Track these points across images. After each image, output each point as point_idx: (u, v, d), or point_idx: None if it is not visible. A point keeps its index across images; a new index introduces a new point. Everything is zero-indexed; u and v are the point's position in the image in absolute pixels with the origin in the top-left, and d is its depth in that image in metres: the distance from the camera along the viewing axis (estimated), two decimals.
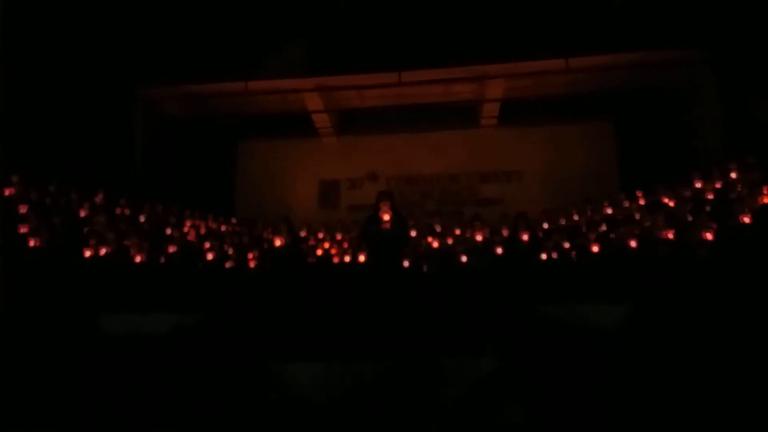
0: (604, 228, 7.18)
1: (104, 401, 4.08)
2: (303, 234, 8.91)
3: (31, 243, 6.19)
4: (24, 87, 8.50)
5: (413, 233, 7.17)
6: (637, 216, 7.14)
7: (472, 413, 3.78)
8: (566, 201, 9.34)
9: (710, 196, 7.09)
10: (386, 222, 5.22)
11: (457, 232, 8.24)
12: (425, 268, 6.85)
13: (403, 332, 4.47)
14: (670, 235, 5.79)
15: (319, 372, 4.08)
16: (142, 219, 8.52)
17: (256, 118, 11.98)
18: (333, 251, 7.98)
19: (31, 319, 4.82)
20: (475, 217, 7.10)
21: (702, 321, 4.29)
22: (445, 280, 6.28)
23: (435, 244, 7.76)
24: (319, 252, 8.03)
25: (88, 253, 6.32)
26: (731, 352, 3.90)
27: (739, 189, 6.68)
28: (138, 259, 6.37)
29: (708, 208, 6.50)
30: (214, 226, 9.42)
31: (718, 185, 7.35)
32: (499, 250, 6.35)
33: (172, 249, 6.71)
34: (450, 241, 7.81)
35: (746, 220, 5.60)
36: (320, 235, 9.14)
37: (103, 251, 6.35)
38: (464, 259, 6.42)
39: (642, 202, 8.03)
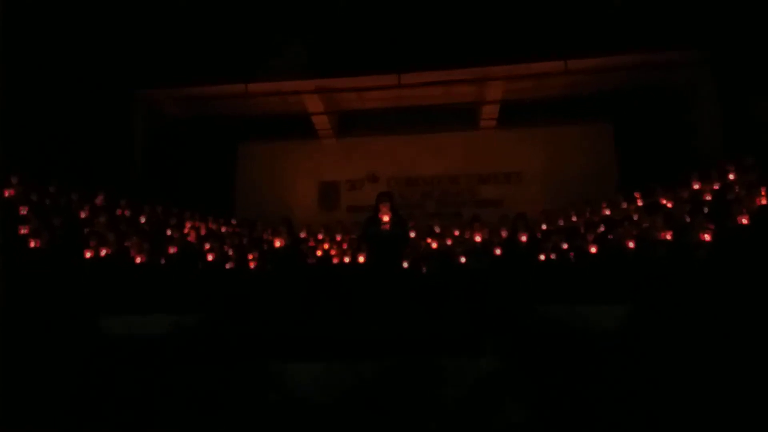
0: (602, 229, 7.20)
1: (104, 401, 4.09)
2: (303, 235, 8.93)
3: (32, 244, 6.20)
4: (24, 88, 8.52)
5: (413, 234, 7.19)
6: (635, 217, 7.16)
7: (471, 413, 3.78)
8: (566, 202, 9.35)
9: (708, 198, 7.10)
10: (386, 223, 5.23)
11: (457, 233, 8.26)
12: (424, 269, 6.86)
13: (403, 332, 4.48)
14: (668, 236, 5.80)
15: (319, 372, 4.09)
16: (142, 220, 8.53)
17: (256, 119, 12.01)
18: (333, 252, 7.99)
19: (32, 320, 4.82)
20: (474, 218, 7.13)
21: (700, 321, 4.29)
22: (444, 280, 6.29)
23: (434, 245, 7.78)
24: (319, 253, 8.04)
25: (88, 254, 6.33)
26: (730, 352, 3.90)
27: (737, 190, 6.69)
28: (138, 259, 6.38)
29: (706, 210, 6.51)
30: (214, 227, 9.44)
31: (716, 186, 7.37)
32: (498, 251, 6.37)
33: (172, 250, 6.72)
34: (449, 242, 7.83)
35: (744, 221, 5.61)
36: (320, 236, 9.15)
37: (103, 252, 6.36)
38: (463, 259, 6.43)
39: (640, 203, 8.05)
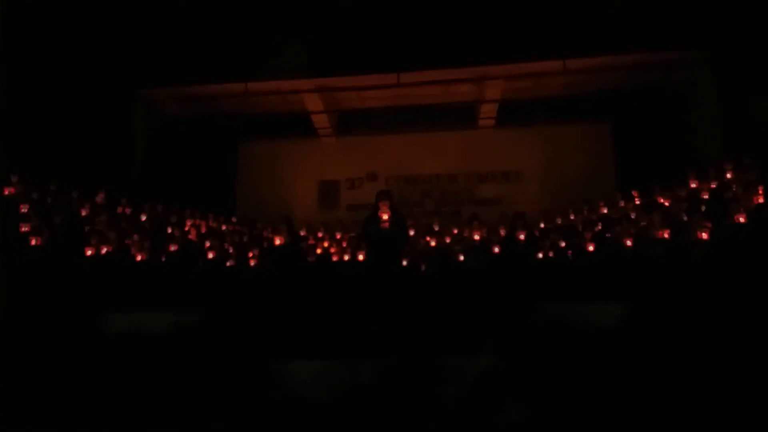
0: (600, 227, 7.23)
1: (104, 401, 4.09)
2: (303, 233, 8.97)
3: (33, 242, 6.22)
4: (25, 87, 8.53)
5: (412, 232, 7.22)
6: (633, 215, 7.19)
7: (470, 411, 3.80)
8: (564, 201, 9.39)
9: (706, 196, 7.13)
10: (386, 221, 5.25)
11: (455, 231, 8.30)
12: (423, 267, 6.89)
13: (402, 330, 4.49)
14: (666, 235, 5.82)
15: (319, 371, 4.11)
16: (143, 218, 8.55)
17: (256, 118, 12.02)
18: (332, 250, 8.03)
19: (32, 319, 4.82)
20: (473, 216, 7.15)
21: (698, 320, 4.30)
22: (443, 279, 6.31)
23: (433, 244, 7.81)
24: (319, 251, 8.07)
25: (89, 252, 6.35)
26: (727, 350, 3.91)
27: (734, 189, 6.72)
28: (139, 258, 6.41)
29: (703, 208, 6.54)
30: (214, 225, 9.47)
31: (713, 185, 7.40)
32: (497, 250, 6.40)
33: (173, 248, 6.74)
34: (448, 241, 7.86)
35: (741, 219, 5.63)
36: (320, 234, 9.20)
37: (104, 250, 6.38)
38: (462, 258, 6.46)
39: (638, 201, 8.08)
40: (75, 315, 5.01)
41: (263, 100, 11.52)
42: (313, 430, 3.78)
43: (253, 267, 6.96)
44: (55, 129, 9.42)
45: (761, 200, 6.06)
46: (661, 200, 7.54)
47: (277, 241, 6.24)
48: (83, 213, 7.90)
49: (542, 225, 8.15)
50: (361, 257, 7.07)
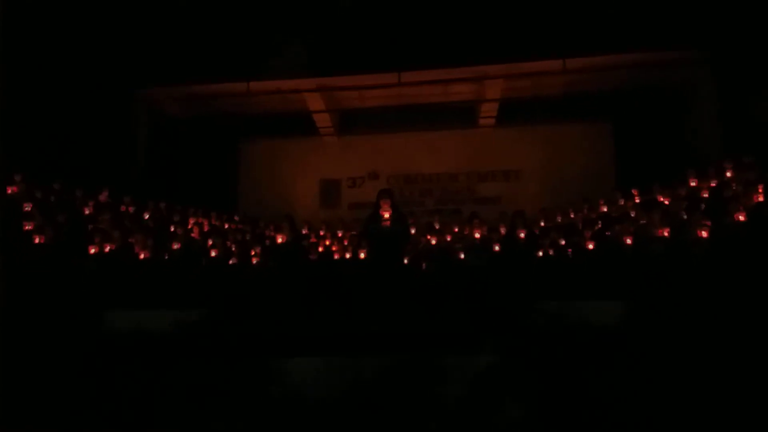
0: (600, 226, 7.26)
1: (105, 400, 4.09)
2: (305, 231, 9.01)
3: (36, 240, 6.24)
4: (27, 87, 8.55)
5: (413, 231, 7.25)
6: (633, 214, 7.22)
7: (470, 409, 3.81)
8: (564, 200, 9.43)
9: (705, 195, 7.16)
10: (387, 220, 5.27)
11: (456, 229, 8.34)
12: (424, 265, 6.92)
13: (403, 329, 4.51)
14: (666, 233, 5.84)
15: (319, 369, 4.12)
16: (146, 217, 8.59)
17: (258, 117, 12.06)
18: (334, 248, 8.07)
19: (34, 318, 4.82)
20: (473, 215, 7.18)
21: (697, 318, 4.31)
22: (443, 277, 6.34)
23: (434, 242, 7.84)
24: (321, 249, 8.11)
25: (92, 251, 6.38)
26: (727, 349, 3.91)
27: (734, 187, 6.75)
28: (142, 256, 6.43)
29: (703, 207, 6.56)
30: (217, 223, 9.51)
31: (713, 184, 7.42)
32: (497, 248, 6.43)
33: (176, 246, 6.78)
34: (449, 239, 7.89)
35: (741, 218, 5.65)
36: (321, 233, 9.24)
37: (107, 248, 6.41)
38: (462, 256, 6.49)
39: (638, 200, 8.11)
40: (77, 313, 5.01)
41: (265, 100, 11.55)
42: (313, 429, 3.78)
43: (255, 265, 6.99)
44: (58, 129, 9.45)
45: (761, 199, 6.09)
46: (661, 199, 7.56)
47: (279, 240, 6.27)
48: (86, 212, 7.93)
49: (542, 223, 8.18)
50: (362, 255, 7.11)
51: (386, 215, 5.28)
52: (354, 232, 8.53)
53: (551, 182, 11.35)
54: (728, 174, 7.41)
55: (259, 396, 4.00)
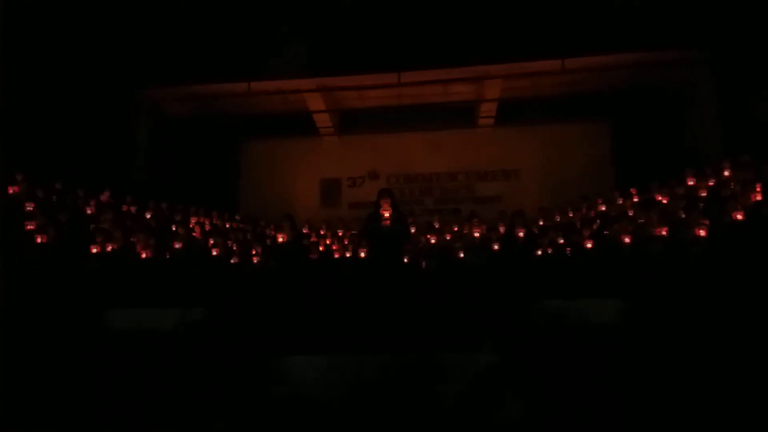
0: (598, 225, 7.27)
1: (105, 400, 4.09)
2: (305, 231, 9.04)
3: (38, 240, 6.26)
4: (28, 87, 8.57)
5: (412, 230, 7.28)
6: (631, 213, 7.24)
7: (470, 408, 3.82)
8: (563, 199, 9.46)
9: (704, 194, 7.18)
10: (387, 219, 5.30)
11: (455, 229, 8.36)
12: (424, 264, 6.95)
13: (402, 327, 4.53)
14: (664, 232, 5.85)
15: (320, 368, 4.13)
16: (148, 216, 8.62)
17: (258, 117, 12.10)
18: (334, 247, 8.09)
19: (35, 318, 4.82)
20: (472, 214, 7.20)
21: (696, 317, 4.31)
22: (443, 276, 6.36)
23: (433, 241, 7.87)
24: (321, 248, 8.14)
25: (94, 250, 6.40)
26: (726, 347, 3.93)
27: (732, 186, 6.76)
28: (144, 255, 6.46)
29: (701, 206, 6.58)
30: (218, 223, 9.54)
31: (711, 183, 7.44)
32: (496, 247, 6.45)
33: (177, 245, 6.80)
34: (448, 238, 7.92)
35: (739, 217, 5.66)
36: (322, 232, 9.28)
37: (109, 248, 6.43)
38: (462, 255, 6.51)
39: (636, 199, 8.13)
40: (78, 313, 5.00)
41: (265, 100, 11.59)
42: (314, 429, 3.78)
43: (256, 264, 7.01)
44: (59, 128, 9.46)
45: (759, 198, 6.10)
46: (659, 198, 7.58)
47: (280, 239, 6.28)
48: (88, 211, 7.95)
49: (541, 222, 8.21)
50: (362, 254, 7.14)
51: (386, 214, 5.30)
52: (354, 232, 8.56)
53: (550, 182, 11.37)
54: (726, 173, 7.43)
55: (259, 395, 4.00)
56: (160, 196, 9.67)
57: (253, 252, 7.24)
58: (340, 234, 9.05)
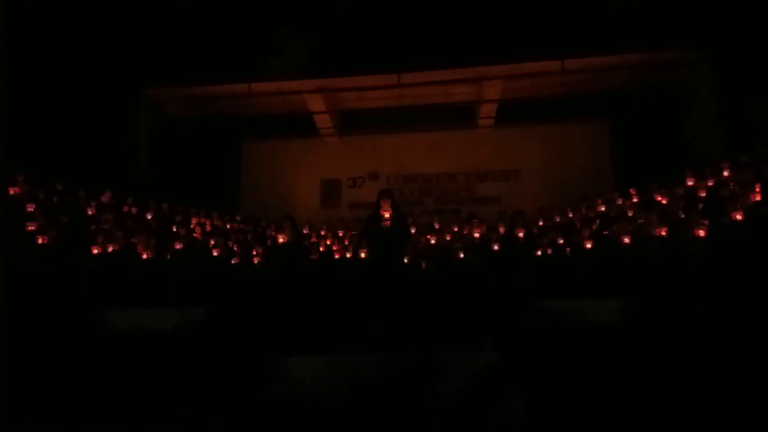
0: (598, 225, 7.28)
1: (105, 399, 4.09)
2: (305, 231, 9.05)
3: (39, 241, 6.27)
4: (29, 88, 8.60)
5: (413, 231, 7.29)
6: (631, 213, 7.24)
7: (469, 407, 3.82)
8: (563, 199, 9.47)
9: (703, 194, 7.18)
10: (387, 219, 5.30)
11: (455, 229, 8.38)
12: (424, 265, 6.96)
13: (403, 327, 4.52)
14: (663, 233, 5.85)
15: (320, 367, 4.12)
16: (148, 217, 8.64)
17: (259, 118, 12.15)
18: (335, 248, 8.11)
19: (36, 318, 4.82)
20: (472, 214, 7.20)
21: (695, 317, 4.30)
22: (443, 276, 6.37)
23: (433, 241, 7.89)
24: (321, 248, 8.16)
25: (95, 251, 6.41)
26: (725, 347, 3.92)
27: (731, 187, 6.77)
28: (145, 256, 6.47)
29: (701, 206, 6.59)
30: (219, 223, 9.56)
31: (710, 183, 7.45)
32: (496, 247, 6.46)
33: (178, 246, 6.81)
34: (448, 238, 7.94)
35: (738, 217, 5.66)
36: (322, 232, 9.30)
37: (110, 249, 6.44)
38: (462, 255, 6.52)
39: (635, 199, 8.13)
40: (79, 313, 5.00)
41: (266, 101, 11.63)
42: (314, 428, 3.77)
43: (256, 265, 7.03)
44: (60, 129, 9.50)
45: (758, 198, 6.11)
46: (659, 198, 7.58)
47: (281, 239, 6.28)
48: (89, 212, 7.96)
49: (541, 223, 8.22)
50: (362, 255, 7.15)
51: (386, 215, 5.31)
52: (354, 232, 8.57)
53: (550, 182, 11.40)
54: (725, 173, 7.44)
55: (259, 395, 3.99)
56: (161, 197, 9.69)
57: (254, 252, 7.25)
58: (341, 234, 9.07)
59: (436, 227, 8.77)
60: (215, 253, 6.86)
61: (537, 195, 11.19)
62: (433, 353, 4.14)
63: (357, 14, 9.98)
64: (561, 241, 6.71)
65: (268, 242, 7.97)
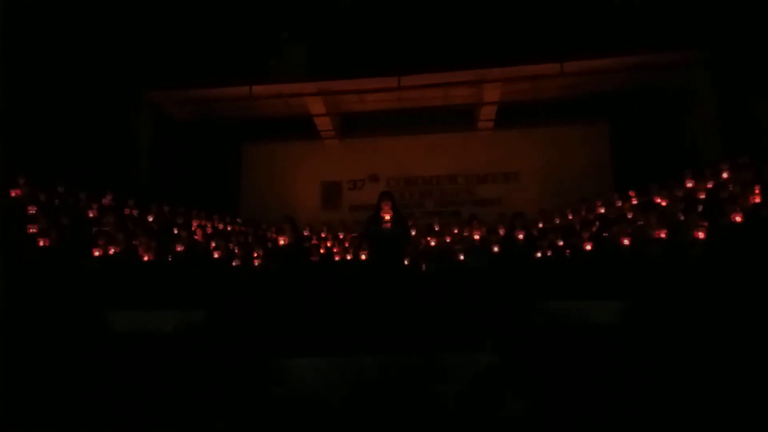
0: (597, 227, 7.29)
1: (106, 400, 4.09)
2: (306, 233, 9.07)
3: (41, 243, 6.28)
4: (31, 90, 8.63)
5: (413, 233, 7.31)
6: (630, 215, 7.25)
7: (470, 408, 3.83)
8: (562, 201, 9.50)
9: (702, 196, 7.19)
10: (388, 221, 5.31)
11: (455, 231, 8.39)
12: (424, 267, 6.97)
13: (403, 329, 4.53)
14: (663, 234, 5.85)
15: (320, 369, 4.13)
16: (150, 219, 8.65)
17: (259, 121, 12.19)
18: (335, 250, 8.12)
19: (36, 319, 4.83)
20: (472, 216, 7.22)
21: (695, 318, 4.30)
22: (443, 278, 6.37)
23: (433, 243, 7.90)
24: (322, 251, 8.17)
25: (96, 253, 6.42)
26: (725, 349, 3.92)
27: (731, 188, 6.78)
28: (146, 258, 6.48)
29: (700, 208, 6.59)
30: (220, 226, 9.57)
31: (710, 185, 7.46)
32: (496, 249, 6.47)
33: (179, 248, 6.83)
34: (448, 240, 7.95)
35: (738, 219, 5.66)
36: (323, 235, 9.30)
37: (111, 251, 6.46)
38: (462, 257, 6.53)
39: (635, 201, 8.14)
40: (79, 315, 5.02)
41: (266, 103, 11.67)
42: (314, 428, 3.77)
43: (257, 266, 7.04)
44: (61, 132, 9.52)
45: (758, 199, 6.11)
46: (658, 200, 7.58)
47: (282, 242, 6.29)
48: (90, 214, 7.98)
49: (541, 225, 8.22)
50: (363, 257, 7.16)
51: (387, 217, 5.31)
52: (355, 234, 8.58)
53: (550, 184, 11.41)
54: (725, 175, 7.45)
55: (260, 396, 4.00)
56: (162, 199, 9.71)
57: (255, 254, 7.26)
58: (341, 237, 9.08)
59: (437, 229, 8.78)
60: (216, 255, 6.88)
61: (537, 197, 11.21)
62: (434, 354, 4.15)
63: (357, 17, 10.03)
64: (561, 243, 6.72)
65: (269, 244, 7.98)
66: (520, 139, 12.04)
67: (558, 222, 8.37)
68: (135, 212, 8.78)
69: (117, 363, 4.36)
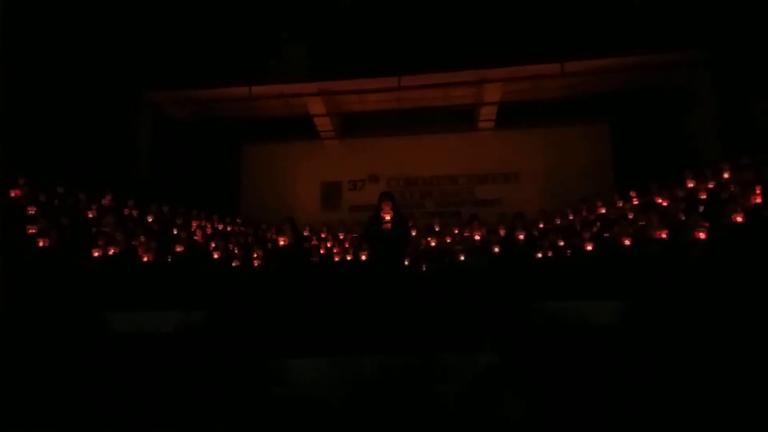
0: (598, 227, 7.29)
1: (105, 400, 4.09)
2: (306, 234, 9.07)
3: (40, 243, 6.29)
4: (31, 91, 8.64)
5: (413, 233, 7.31)
6: (631, 215, 7.24)
7: (470, 408, 3.83)
8: (563, 202, 9.49)
9: (703, 196, 7.18)
10: (388, 222, 5.31)
11: (456, 231, 8.39)
12: (424, 267, 6.97)
13: (403, 329, 4.53)
14: (664, 235, 5.85)
15: (320, 369, 4.12)
16: (149, 219, 8.65)
17: (259, 121, 12.20)
18: (335, 250, 8.12)
19: (36, 319, 4.84)
20: (473, 217, 7.21)
21: (696, 319, 4.31)
22: (443, 278, 6.37)
23: (434, 244, 7.90)
24: (322, 251, 8.17)
25: (96, 253, 6.43)
26: (725, 349, 3.92)
27: (732, 188, 6.77)
28: (146, 258, 6.49)
29: (701, 208, 6.59)
30: (220, 226, 9.57)
31: (711, 185, 7.45)
32: (497, 249, 6.47)
33: (179, 249, 6.83)
34: (449, 241, 7.95)
35: (739, 219, 5.65)
36: (323, 235, 9.30)
37: (111, 251, 6.46)
38: (462, 257, 6.53)
39: (636, 201, 8.14)
40: (79, 315, 5.03)
41: (266, 104, 11.68)
42: (314, 428, 3.78)
43: (257, 267, 7.03)
44: (61, 132, 9.53)
45: (758, 200, 6.10)
46: (659, 200, 7.58)
47: (281, 242, 6.29)
48: (90, 215, 7.98)
49: (541, 225, 8.21)
50: (363, 257, 7.16)
51: (387, 217, 5.31)
52: (355, 235, 8.58)
53: (550, 184, 11.42)
54: (726, 175, 7.44)
55: (259, 396, 4.00)
56: (162, 199, 9.72)
57: (255, 255, 7.26)
58: (341, 237, 9.08)
59: (437, 229, 8.78)
60: (216, 256, 6.88)
61: (537, 197, 11.22)
62: (433, 355, 4.14)
63: (357, 17, 10.04)
64: (561, 244, 6.71)
65: (269, 245, 7.98)
66: (521, 140, 12.05)
67: (559, 222, 8.36)
68: (135, 212, 8.78)
69: (117, 363, 4.36)
